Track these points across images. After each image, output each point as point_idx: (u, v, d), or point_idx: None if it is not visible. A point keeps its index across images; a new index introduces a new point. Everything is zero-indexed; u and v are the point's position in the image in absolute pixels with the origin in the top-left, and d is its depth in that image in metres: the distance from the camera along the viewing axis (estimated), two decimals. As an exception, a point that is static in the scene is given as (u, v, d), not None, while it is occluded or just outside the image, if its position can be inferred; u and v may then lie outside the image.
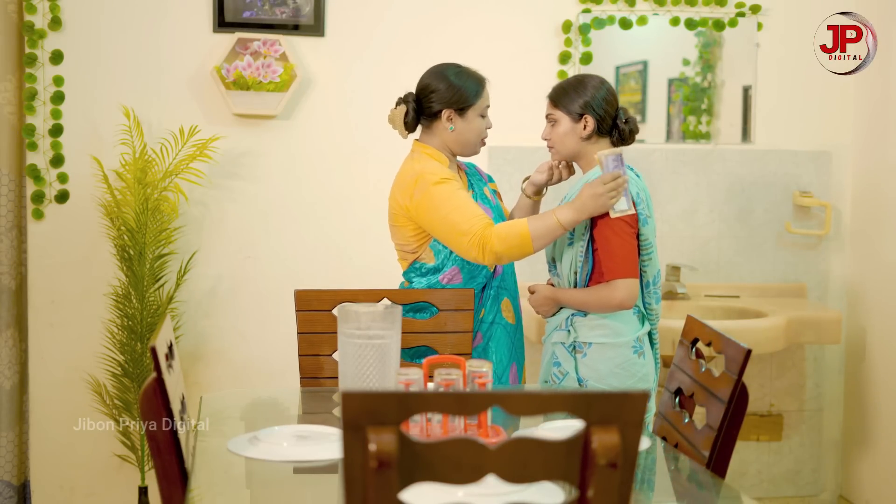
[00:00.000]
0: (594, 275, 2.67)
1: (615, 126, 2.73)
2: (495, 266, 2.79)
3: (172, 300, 3.61)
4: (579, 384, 2.67)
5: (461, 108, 2.75)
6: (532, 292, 2.80)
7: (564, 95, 2.73)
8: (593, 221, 2.64)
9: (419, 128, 2.84)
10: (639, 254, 2.66)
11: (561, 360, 2.71)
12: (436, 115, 2.77)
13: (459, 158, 2.89)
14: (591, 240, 2.65)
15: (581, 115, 2.70)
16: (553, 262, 2.78)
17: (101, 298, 3.61)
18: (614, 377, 2.66)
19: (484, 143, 2.84)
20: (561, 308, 2.75)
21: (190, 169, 3.54)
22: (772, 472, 3.99)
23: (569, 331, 2.70)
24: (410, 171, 2.76)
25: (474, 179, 2.90)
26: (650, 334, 2.76)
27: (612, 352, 2.67)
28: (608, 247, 2.63)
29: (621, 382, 2.65)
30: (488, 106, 2.81)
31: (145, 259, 3.50)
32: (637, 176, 2.72)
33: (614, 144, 2.75)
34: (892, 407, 3.73)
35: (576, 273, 2.68)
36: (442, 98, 2.76)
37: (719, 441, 2.12)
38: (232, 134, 3.67)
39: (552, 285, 2.80)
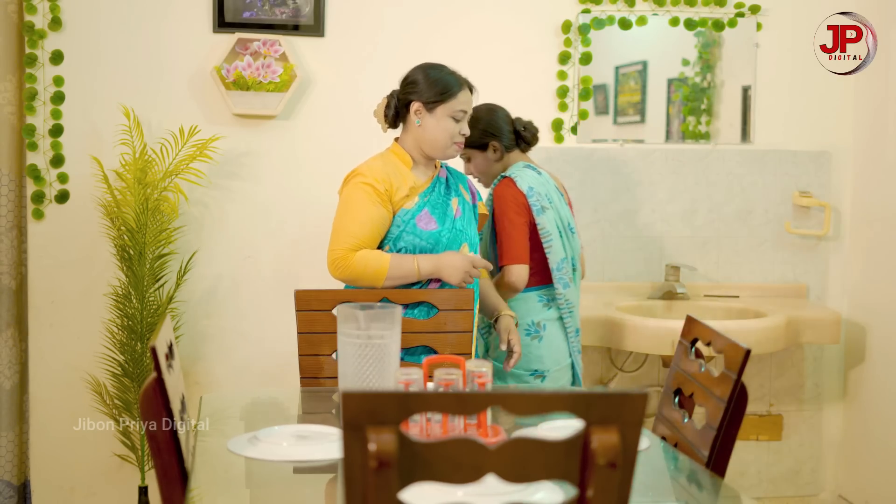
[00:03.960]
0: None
1: (519, 137, 3.13)
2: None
3: (172, 300, 3.61)
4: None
5: (430, 104, 2.76)
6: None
7: (467, 137, 2.94)
8: (494, 216, 3.03)
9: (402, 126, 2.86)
10: (541, 241, 3.03)
11: (489, 343, 3.06)
12: (407, 108, 2.79)
13: (449, 165, 2.92)
14: (495, 232, 3.06)
15: (486, 145, 3.10)
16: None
17: (101, 298, 3.61)
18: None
19: (459, 148, 2.80)
20: None
21: (190, 169, 3.54)
22: (771, 472, 3.99)
23: (481, 316, 3.02)
24: (360, 164, 2.81)
25: (445, 186, 2.84)
26: (560, 319, 3.05)
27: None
28: (502, 236, 3.01)
29: (519, 364, 2.98)
30: (464, 111, 2.77)
31: (145, 259, 3.50)
32: (538, 174, 3.08)
33: (523, 151, 3.17)
34: (892, 407, 3.73)
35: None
36: (414, 89, 2.78)
37: (719, 441, 2.12)
38: (232, 134, 3.68)
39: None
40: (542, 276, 3.06)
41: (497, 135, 3.09)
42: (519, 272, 2.98)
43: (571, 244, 3.09)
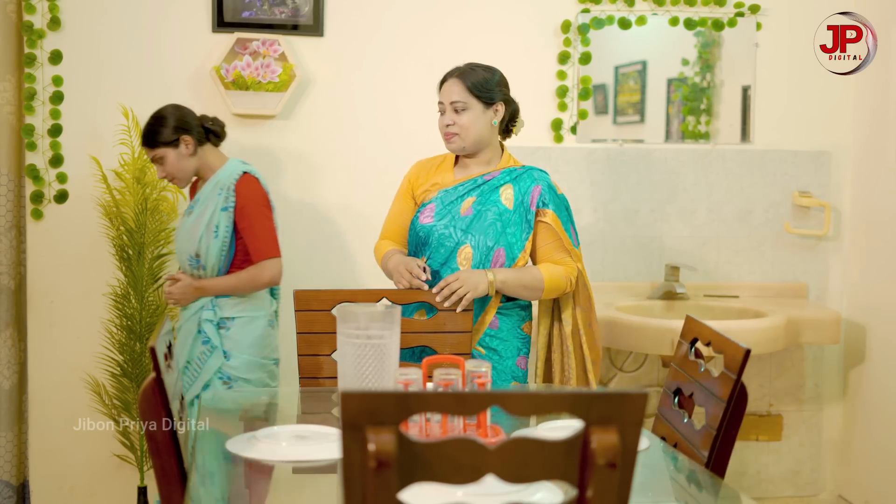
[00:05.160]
0: (235, 261, 3.10)
1: (208, 131, 3.18)
2: None
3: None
4: (224, 356, 3.07)
5: None
6: (176, 280, 3.13)
7: (158, 136, 3.10)
8: (237, 211, 3.06)
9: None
10: None
11: (210, 337, 3.08)
12: None
13: (534, 170, 2.86)
14: (234, 229, 3.08)
15: (177, 140, 3.10)
16: (196, 257, 3.11)
17: (100, 298, 3.61)
18: (254, 347, 3.11)
19: (448, 139, 2.79)
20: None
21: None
22: (771, 472, 3.99)
23: (214, 310, 3.09)
24: None
25: (475, 186, 2.81)
26: (276, 311, 3.22)
27: (252, 325, 3.12)
28: (253, 232, 3.07)
29: (260, 352, 3.12)
30: (441, 103, 2.80)
31: (144, 259, 3.50)
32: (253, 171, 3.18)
33: (214, 144, 3.20)
34: (892, 407, 3.73)
35: (221, 262, 3.09)
36: None
37: (718, 441, 2.12)
38: (231, 134, 3.66)
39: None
40: None
41: (187, 129, 3.12)
42: (278, 265, 3.09)
43: None
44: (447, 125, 2.77)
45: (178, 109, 3.15)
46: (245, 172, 3.14)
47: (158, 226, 3.52)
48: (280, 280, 3.12)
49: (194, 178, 3.22)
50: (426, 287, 2.71)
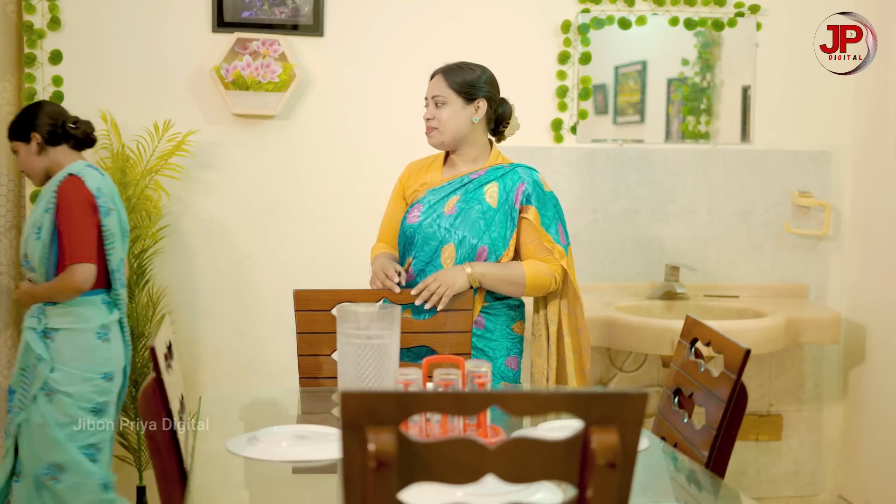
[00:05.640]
0: (60, 265, 2.98)
1: (67, 133, 3.08)
2: None
3: (169, 299, 3.60)
4: (51, 369, 2.96)
5: None
6: (17, 288, 3.14)
7: (12, 130, 3.07)
8: (57, 213, 2.96)
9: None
10: (104, 243, 3.02)
11: (34, 346, 2.97)
12: None
13: (520, 168, 2.85)
14: (56, 231, 2.97)
15: (28, 136, 3.05)
16: (26, 258, 3.04)
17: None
18: (78, 360, 2.99)
19: (428, 134, 2.81)
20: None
21: (170, 165, 3.55)
22: (771, 472, 3.99)
23: (39, 318, 2.99)
24: None
25: (461, 185, 2.80)
26: (120, 321, 3.10)
27: (76, 337, 2.99)
28: (69, 234, 2.95)
29: (85, 365, 2.99)
30: (426, 98, 2.83)
31: (139, 258, 3.50)
32: (102, 175, 3.08)
33: (76, 148, 3.09)
34: (891, 407, 3.73)
35: (45, 265, 2.99)
36: None
37: (718, 441, 2.12)
38: (231, 134, 3.67)
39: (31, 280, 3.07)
40: (102, 279, 3.04)
41: (39, 127, 3.04)
42: (86, 271, 2.95)
43: (124, 246, 3.12)
44: (427, 119, 2.80)
45: (47, 106, 3.10)
46: (70, 174, 3.01)
47: (150, 225, 3.53)
48: (89, 286, 2.97)
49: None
50: (397, 290, 2.72)
